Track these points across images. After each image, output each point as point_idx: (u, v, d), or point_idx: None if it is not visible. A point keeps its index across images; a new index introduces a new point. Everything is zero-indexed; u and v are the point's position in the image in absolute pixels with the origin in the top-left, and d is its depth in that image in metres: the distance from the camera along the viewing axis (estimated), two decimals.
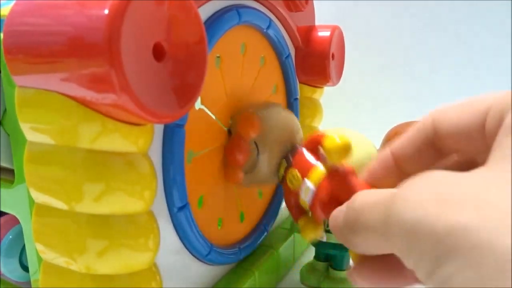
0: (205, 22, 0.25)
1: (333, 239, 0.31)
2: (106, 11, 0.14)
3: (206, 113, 0.27)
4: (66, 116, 0.17)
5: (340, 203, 0.21)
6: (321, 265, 0.34)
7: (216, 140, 0.27)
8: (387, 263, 0.16)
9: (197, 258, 0.26)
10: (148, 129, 0.20)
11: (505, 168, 0.12)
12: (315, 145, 0.24)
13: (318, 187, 0.22)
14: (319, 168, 0.23)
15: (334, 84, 0.39)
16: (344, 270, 0.33)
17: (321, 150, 0.23)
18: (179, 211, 0.23)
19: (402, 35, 0.60)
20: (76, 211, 0.18)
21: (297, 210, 0.25)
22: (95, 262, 0.19)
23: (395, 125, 0.33)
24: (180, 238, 0.24)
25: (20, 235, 0.27)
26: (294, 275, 0.36)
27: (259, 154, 0.27)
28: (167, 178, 0.23)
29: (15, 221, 0.26)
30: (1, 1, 0.24)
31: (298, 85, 0.38)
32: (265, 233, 0.34)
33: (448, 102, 0.17)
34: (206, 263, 0.27)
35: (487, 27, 0.55)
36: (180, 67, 0.17)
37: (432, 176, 0.13)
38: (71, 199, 0.18)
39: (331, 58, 0.37)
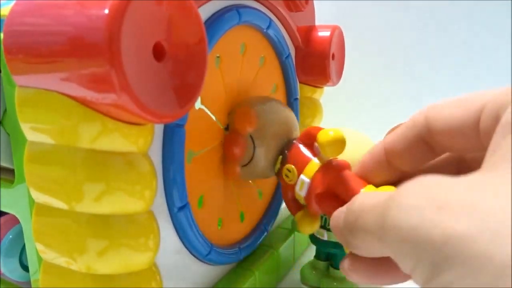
0: (205, 22, 0.25)
1: (334, 238, 0.31)
2: (106, 11, 0.14)
3: (206, 112, 0.27)
4: (66, 116, 0.17)
5: (335, 197, 0.21)
6: (321, 264, 0.34)
7: (215, 139, 0.28)
8: (381, 259, 0.16)
9: (197, 258, 0.26)
10: (148, 129, 0.20)
11: (503, 172, 0.11)
12: (310, 140, 0.24)
13: (313, 181, 0.23)
14: (314, 162, 0.23)
15: (334, 84, 0.39)
16: None
17: (316, 144, 0.23)
18: (179, 211, 0.23)
19: (402, 35, 0.60)
20: (76, 211, 0.18)
21: (294, 204, 0.25)
22: (95, 262, 0.19)
23: (395, 125, 0.33)
24: (180, 238, 0.25)
25: (20, 235, 0.27)
26: (294, 275, 0.36)
27: (255, 148, 0.27)
28: (167, 178, 0.23)
29: (15, 221, 0.26)
30: (1, 1, 0.24)
31: (298, 85, 0.38)
32: (265, 233, 0.34)
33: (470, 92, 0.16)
34: (206, 263, 0.27)
35: (487, 27, 0.55)
36: (180, 67, 0.17)
37: (427, 181, 0.12)
38: (71, 199, 0.18)
39: (331, 58, 0.37)
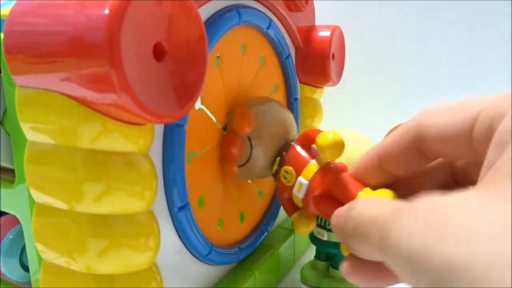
0: (205, 22, 0.25)
1: (334, 238, 0.31)
2: (106, 11, 0.14)
3: (205, 112, 0.27)
4: (66, 116, 0.17)
5: (333, 199, 0.21)
6: (321, 264, 0.34)
7: (214, 139, 0.28)
8: (380, 263, 0.16)
9: (197, 258, 0.26)
10: (149, 129, 0.20)
11: (502, 191, 0.11)
12: (308, 141, 0.24)
13: (311, 183, 0.23)
14: (312, 164, 0.23)
15: (334, 84, 0.39)
16: None
17: (314, 146, 0.23)
18: (179, 211, 0.23)
19: (402, 35, 0.60)
20: (77, 211, 0.18)
21: (290, 205, 0.25)
22: (96, 262, 0.19)
23: (395, 125, 0.33)
24: (180, 238, 0.25)
25: (20, 235, 0.27)
26: (294, 275, 0.36)
27: (253, 148, 0.27)
28: (167, 178, 0.23)
29: (15, 221, 0.26)
30: (1, 1, 0.24)
31: (298, 85, 0.38)
32: (265, 233, 0.34)
33: (448, 102, 0.16)
34: (206, 263, 0.27)
35: (487, 27, 0.55)
36: (180, 67, 0.17)
37: (429, 204, 0.13)
38: (71, 199, 0.18)
39: (331, 58, 0.37)
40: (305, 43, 0.37)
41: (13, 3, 0.17)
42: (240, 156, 0.27)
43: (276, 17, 0.34)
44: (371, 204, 0.15)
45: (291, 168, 0.25)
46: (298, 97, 0.38)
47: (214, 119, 0.27)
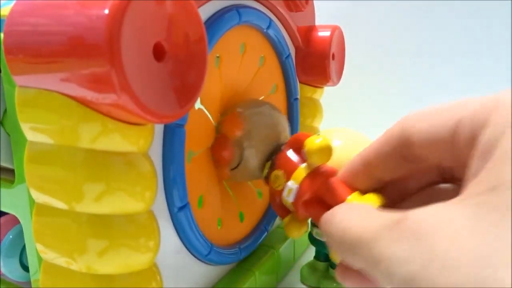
0: (205, 22, 0.25)
1: None
2: (106, 11, 0.14)
3: (204, 112, 0.27)
4: (66, 116, 0.17)
5: (323, 203, 0.21)
6: (321, 265, 0.34)
7: (212, 139, 0.28)
8: None
9: (197, 258, 0.26)
10: (149, 129, 0.20)
11: (484, 208, 0.12)
12: (299, 144, 0.24)
13: (300, 187, 0.23)
14: (302, 168, 0.23)
15: (334, 84, 0.39)
16: None
17: (304, 150, 0.23)
18: (179, 211, 0.23)
19: (402, 35, 0.60)
20: (77, 211, 0.18)
21: (282, 209, 0.25)
22: (96, 262, 0.19)
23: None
24: (180, 238, 0.25)
25: (20, 235, 0.27)
26: (294, 275, 0.36)
27: (243, 151, 0.27)
28: (167, 178, 0.23)
29: (15, 221, 0.26)
30: (1, 1, 0.24)
31: (298, 85, 0.38)
32: (265, 233, 0.34)
33: (431, 106, 0.16)
34: (206, 263, 0.27)
35: (487, 27, 0.55)
36: (180, 67, 0.17)
37: (412, 223, 0.13)
38: (71, 199, 0.18)
39: (331, 58, 0.37)
40: (305, 43, 0.37)
41: (13, 3, 0.17)
42: (231, 159, 0.27)
43: (276, 17, 0.34)
44: (354, 217, 0.15)
45: (281, 172, 0.24)
46: (298, 97, 0.38)
47: (211, 119, 0.27)
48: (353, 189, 0.20)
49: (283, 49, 0.34)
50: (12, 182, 0.23)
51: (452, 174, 0.18)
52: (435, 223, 0.12)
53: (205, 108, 0.27)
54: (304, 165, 0.23)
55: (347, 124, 0.32)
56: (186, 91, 0.18)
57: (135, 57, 0.15)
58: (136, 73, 0.15)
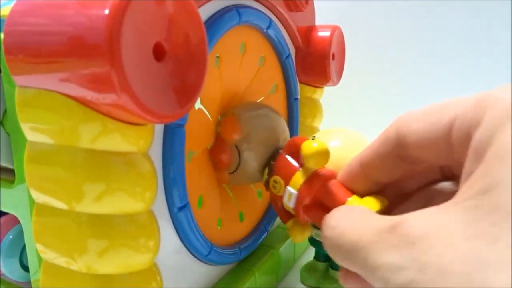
0: (205, 22, 0.25)
1: None
2: (106, 11, 0.14)
3: (204, 112, 0.27)
4: (66, 116, 0.17)
5: (323, 207, 0.21)
6: (321, 265, 0.34)
7: (212, 139, 0.28)
8: None
9: (197, 258, 0.26)
10: (149, 129, 0.20)
11: (477, 214, 0.12)
12: (296, 149, 0.24)
13: (300, 192, 0.23)
14: (300, 173, 0.23)
15: (334, 84, 0.39)
16: None
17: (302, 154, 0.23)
18: (179, 211, 0.23)
19: (402, 35, 0.60)
20: (77, 211, 0.18)
21: (284, 213, 0.25)
22: (96, 262, 0.19)
23: None
24: (180, 238, 0.24)
25: (20, 235, 0.27)
26: (294, 275, 0.36)
27: (241, 155, 0.27)
28: (167, 178, 0.23)
29: (15, 221, 0.26)
30: (1, 1, 0.24)
31: (298, 85, 0.38)
32: (265, 233, 0.34)
33: (425, 106, 0.16)
34: (206, 263, 0.27)
35: (487, 27, 0.55)
36: (180, 67, 0.17)
37: (408, 230, 0.13)
38: (71, 199, 0.18)
39: (331, 58, 0.37)
40: (305, 43, 0.37)
41: (13, 3, 0.17)
42: (229, 163, 0.27)
43: (276, 17, 0.34)
44: (349, 223, 0.15)
45: (279, 177, 0.24)
46: (298, 97, 0.38)
47: (211, 119, 0.27)
48: (352, 192, 0.20)
49: (283, 49, 0.34)
50: (12, 182, 0.23)
51: (452, 172, 0.18)
52: (429, 227, 0.12)
53: (205, 108, 0.27)
54: (302, 169, 0.23)
55: (347, 124, 0.32)
56: (186, 91, 0.18)
57: (135, 57, 0.15)
58: (136, 73, 0.15)
